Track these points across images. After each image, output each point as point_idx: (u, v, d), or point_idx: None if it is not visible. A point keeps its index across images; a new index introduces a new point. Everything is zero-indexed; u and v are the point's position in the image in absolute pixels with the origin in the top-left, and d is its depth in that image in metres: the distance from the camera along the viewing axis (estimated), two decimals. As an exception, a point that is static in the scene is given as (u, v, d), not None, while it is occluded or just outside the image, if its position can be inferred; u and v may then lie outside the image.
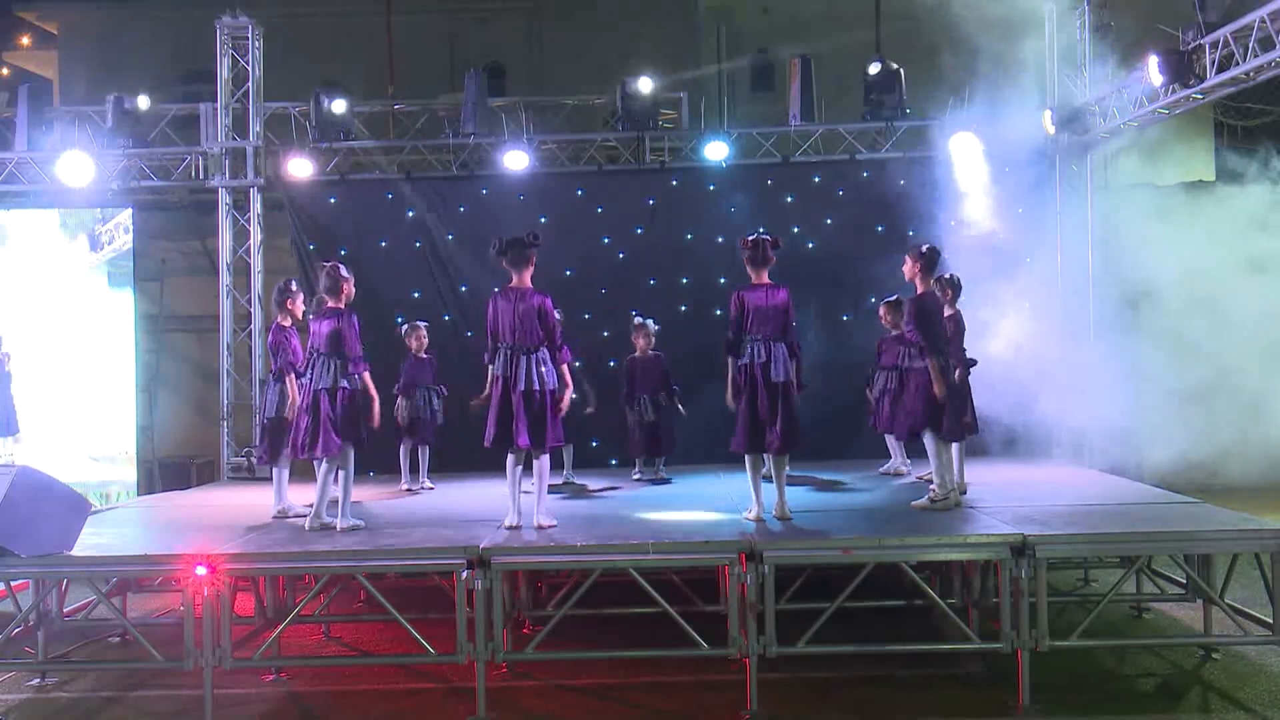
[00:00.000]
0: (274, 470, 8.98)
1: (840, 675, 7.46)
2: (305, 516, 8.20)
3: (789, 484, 8.19)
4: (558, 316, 7.89)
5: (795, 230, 12.43)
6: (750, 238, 8.04)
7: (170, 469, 14.33)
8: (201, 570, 6.87)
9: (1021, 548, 6.90)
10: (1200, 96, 10.80)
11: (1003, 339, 10.39)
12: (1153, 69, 10.55)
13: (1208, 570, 7.80)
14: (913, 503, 8.41)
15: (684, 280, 12.83)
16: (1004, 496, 8.76)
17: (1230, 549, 7.38)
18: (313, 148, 13.04)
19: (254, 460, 12.15)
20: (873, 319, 10.74)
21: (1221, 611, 7.70)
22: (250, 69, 13.42)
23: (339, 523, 7.91)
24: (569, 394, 7.95)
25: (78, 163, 12.89)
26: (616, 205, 12.99)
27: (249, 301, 13.50)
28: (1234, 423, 10.99)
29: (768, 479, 7.96)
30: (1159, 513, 8.03)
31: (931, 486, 8.37)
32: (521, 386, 7.61)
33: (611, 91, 13.47)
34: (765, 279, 7.95)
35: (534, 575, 8.39)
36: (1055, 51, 12.54)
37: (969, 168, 12.32)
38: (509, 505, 7.78)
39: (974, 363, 8.99)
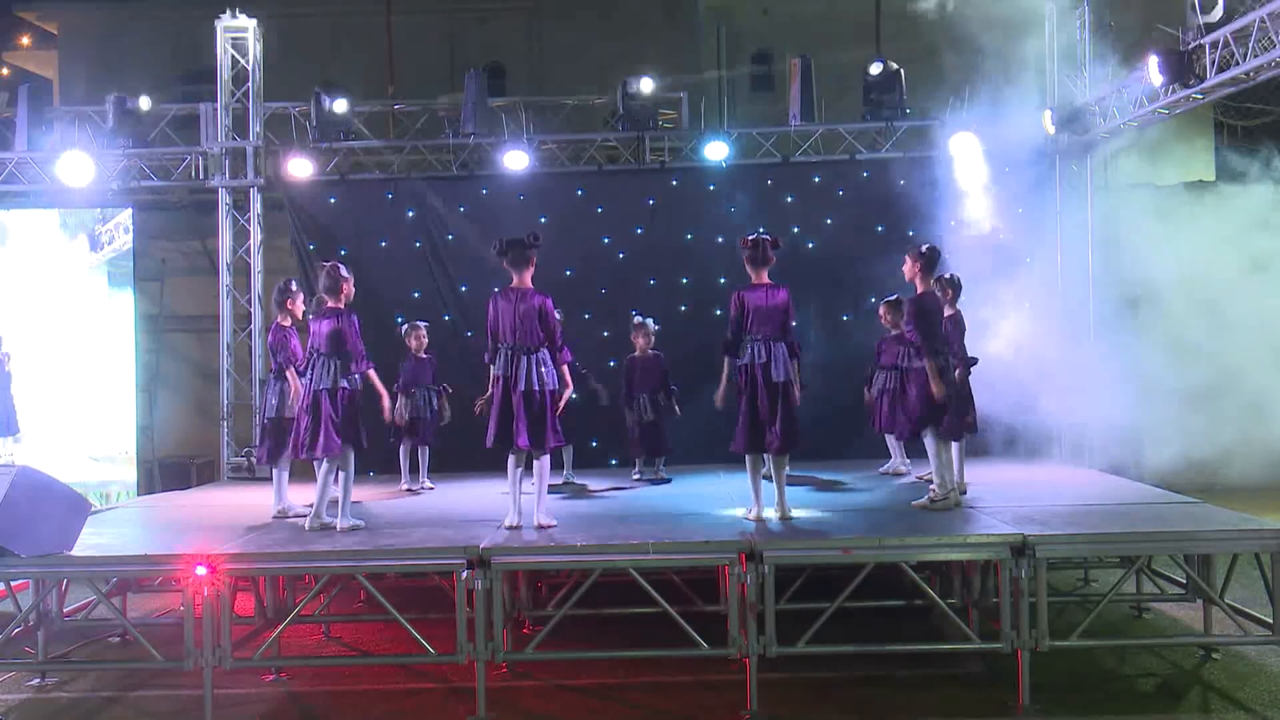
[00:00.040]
0: (274, 470, 8.98)
1: (840, 675, 7.46)
2: (305, 516, 8.20)
3: (789, 484, 8.18)
4: (558, 317, 7.90)
5: (795, 230, 12.43)
6: (750, 237, 8.04)
7: (170, 469, 14.33)
8: (201, 570, 6.87)
9: (1021, 548, 6.90)
10: (1200, 96, 10.80)
11: (1003, 339, 10.38)
12: (1153, 69, 10.54)
13: (1208, 570, 7.80)
14: (913, 503, 8.41)
15: (684, 280, 12.83)
16: (1004, 496, 8.76)
17: (1230, 549, 7.38)
18: (313, 148, 13.03)
19: (254, 460, 12.15)
20: (873, 319, 10.74)
21: (1221, 611, 7.71)
22: (250, 69, 13.42)
23: (339, 523, 7.91)
24: (568, 394, 7.96)
25: (78, 163, 12.88)
26: (616, 205, 12.99)
27: (249, 301, 13.50)
28: (1234, 422, 10.98)
29: (768, 479, 7.96)
30: (1159, 513, 8.03)
31: (931, 486, 8.37)
32: (522, 387, 7.61)
33: (611, 91, 13.46)
34: (765, 279, 7.95)
35: (534, 575, 8.39)
36: (1055, 51, 12.53)
37: (969, 168, 12.32)
38: (509, 505, 7.79)
39: (975, 361, 8.96)
